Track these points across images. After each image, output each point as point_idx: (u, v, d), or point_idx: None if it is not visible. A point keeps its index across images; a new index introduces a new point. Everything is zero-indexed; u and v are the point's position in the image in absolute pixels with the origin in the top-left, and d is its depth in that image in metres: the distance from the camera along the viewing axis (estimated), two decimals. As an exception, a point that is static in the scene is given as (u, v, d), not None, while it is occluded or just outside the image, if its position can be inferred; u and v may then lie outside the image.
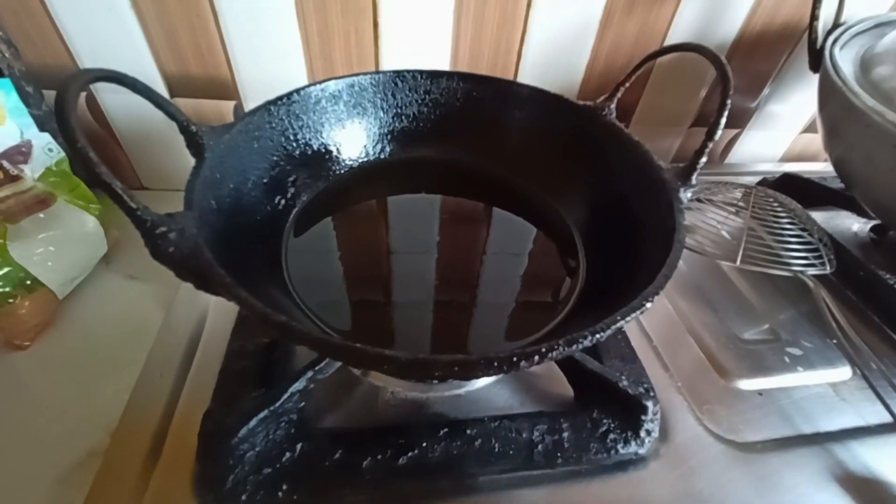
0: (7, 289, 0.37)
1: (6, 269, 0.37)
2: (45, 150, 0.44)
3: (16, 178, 0.41)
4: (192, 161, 0.50)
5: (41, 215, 0.40)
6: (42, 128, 0.44)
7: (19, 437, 0.32)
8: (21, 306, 0.37)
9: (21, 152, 0.42)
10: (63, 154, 0.45)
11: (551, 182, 0.42)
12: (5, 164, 0.41)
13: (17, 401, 0.34)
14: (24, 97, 0.43)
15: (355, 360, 0.20)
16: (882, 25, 0.48)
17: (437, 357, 0.19)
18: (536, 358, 0.20)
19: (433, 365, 0.19)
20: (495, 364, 0.20)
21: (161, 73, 0.47)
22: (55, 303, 0.40)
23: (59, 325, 0.39)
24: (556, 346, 0.21)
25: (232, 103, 0.49)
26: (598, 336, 0.22)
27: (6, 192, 0.40)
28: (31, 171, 0.42)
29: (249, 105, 0.50)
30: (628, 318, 0.23)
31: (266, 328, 0.27)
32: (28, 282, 0.38)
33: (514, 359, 0.20)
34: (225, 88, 0.49)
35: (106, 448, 0.31)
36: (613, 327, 0.22)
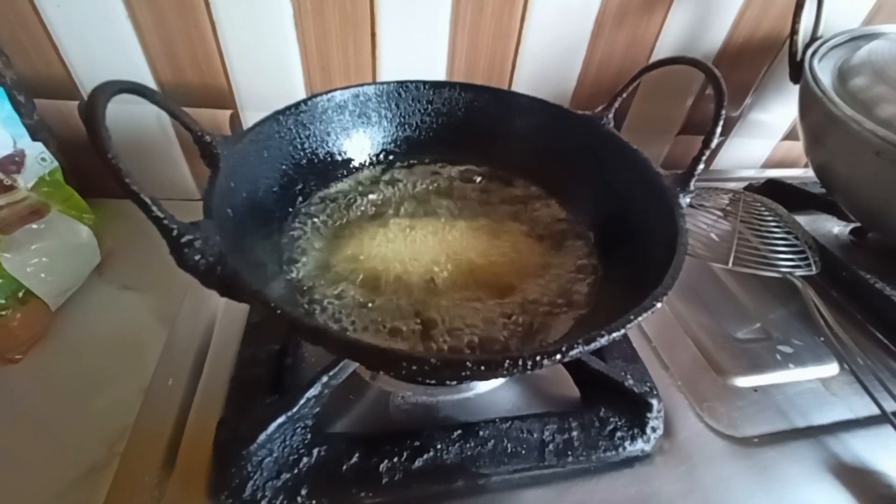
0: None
1: (-1, 282, 0.36)
2: (38, 159, 0.43)
3: (9, 189, 0.41)
4: (181, 170, 0.52)
5: (35, 226, 0.40)
6: (34, 137, 0.43)
7: (14, 453, 0.32)
8: (13, 319, 0.37)
9: (14, 162, 0.42)
10: (56, 164, 0.44)
11: (555, 188, 0.43)
12: (-1, 173, 0.40)
13: (11, 416, 0.34)
14: (17, 106, 0.43)
15: (384, 362, 0.21)
16: (857, 39, 0.50)
17: (465, 357, 0.20)
18: (558, 356, 0.21)
19: (462, 365, 0.20)
20: (520, 363, 0.21)
21: (156, 82, 0.47)
22: (48, 315, 0.39)
23: (52, 337, 0.39)
24: (575, 345, 0.22)
25: (228, 112, 0.49)
26: (613, 335, 0.23)
27: (0, 203, 0.40)
28: (24, 181, 0.42)
29: (246, 114, 0.51)
30: (640, 318, 0.24)
31: (295, 332, 0.27)
32: (20, 294, 0.37)
33: (538, 357, 0.21)
34: (221, 97, 0.49)
35: (105, 463, 0.31)
36: (628, 326, 0.23)
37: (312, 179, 0.39)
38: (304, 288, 0.34)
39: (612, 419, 0.34)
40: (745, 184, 0.63)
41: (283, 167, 0.37)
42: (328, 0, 0.44)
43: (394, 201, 0.42)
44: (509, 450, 0.32)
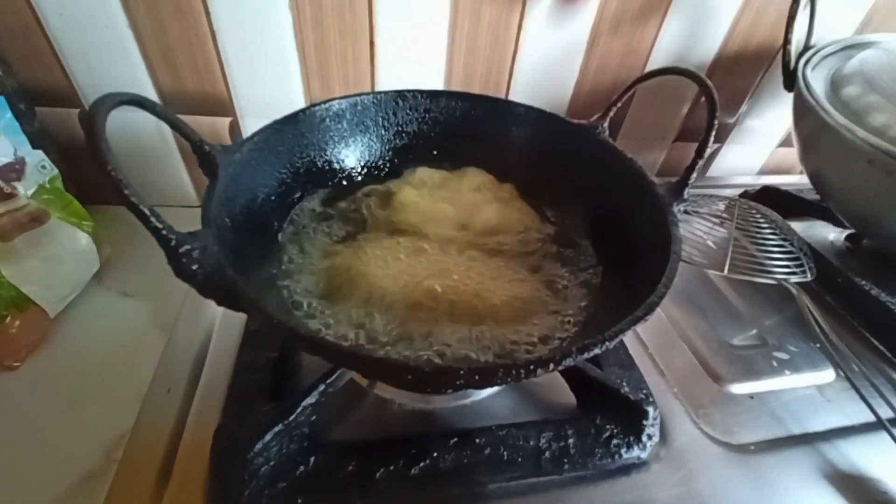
0: (-2, 308, 0.36)
1: (-2, 289, 0.36)
2: (39, 167, 0.44)
3: (10, 196, 0.41)
4: (181, 177, 0.52)
5: (34, 233, 0.40)
6: (35, 145, 0.44)
7: (12, 459, 0.32)
8: (11, 326, 0.37)
9: (14, 170, 0.42)
10: (56, 171, 0.44)
11: (551, 195, 0.43)
12: (-1, 181, 0.41)
13: (8, 423, 0.34)
14: (17, 115, 0.43)
15: (380, 371, 0.21)
16: (849, 48, 0.51)
17: (459, 366, 0.20)
18: (551, 365, 0.22)
19: (456, 374, 0.20)
20: (513, 372, 0.21)
21: (157, 90, 0.48)
22: (46, 321, 0.39)
23: (51, 344, 0.39)
24: (569, 354, 0.22)
25: (227, 120, 0.50)
26: (607, 343, 0.23)
27: (0, 210, 0.40)
28: (24, 189, 0.42)
29: (245, 122, 0.51)
30: (633, 327, 0.24)
31: (291, 341, 0.27)
32: (19, 300, 0.37)
33: (532, 366, 0.21)
34: (221, 105, 0.50)
35: (103, 470, 0.31)
36: (621, 335, 0.23)
37: (310, 188, 0.40)
38: (300, 296, 0.34)
39: (608, 426, 0.34)
40: (740, 190, 0.63)
41: (282, 176, 0.37)
42: (327, 9, 0.45)
43: (394, 206, 0.42)
44: (506, 457, 0.32)
